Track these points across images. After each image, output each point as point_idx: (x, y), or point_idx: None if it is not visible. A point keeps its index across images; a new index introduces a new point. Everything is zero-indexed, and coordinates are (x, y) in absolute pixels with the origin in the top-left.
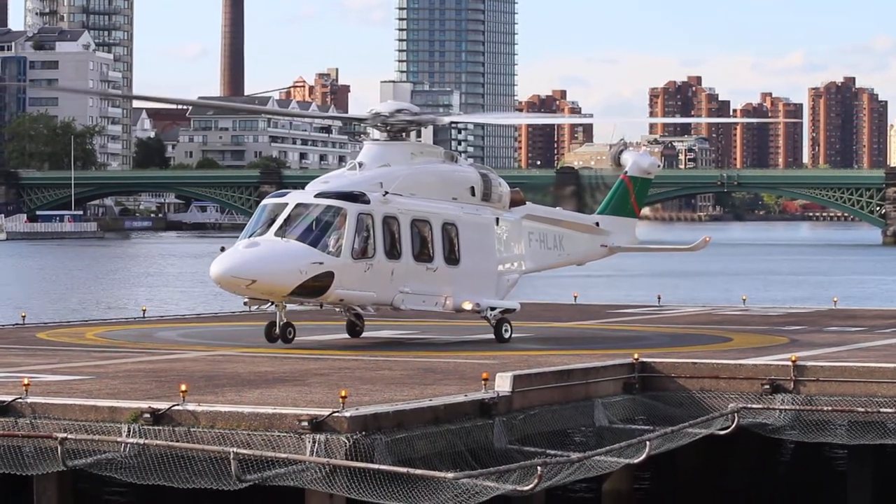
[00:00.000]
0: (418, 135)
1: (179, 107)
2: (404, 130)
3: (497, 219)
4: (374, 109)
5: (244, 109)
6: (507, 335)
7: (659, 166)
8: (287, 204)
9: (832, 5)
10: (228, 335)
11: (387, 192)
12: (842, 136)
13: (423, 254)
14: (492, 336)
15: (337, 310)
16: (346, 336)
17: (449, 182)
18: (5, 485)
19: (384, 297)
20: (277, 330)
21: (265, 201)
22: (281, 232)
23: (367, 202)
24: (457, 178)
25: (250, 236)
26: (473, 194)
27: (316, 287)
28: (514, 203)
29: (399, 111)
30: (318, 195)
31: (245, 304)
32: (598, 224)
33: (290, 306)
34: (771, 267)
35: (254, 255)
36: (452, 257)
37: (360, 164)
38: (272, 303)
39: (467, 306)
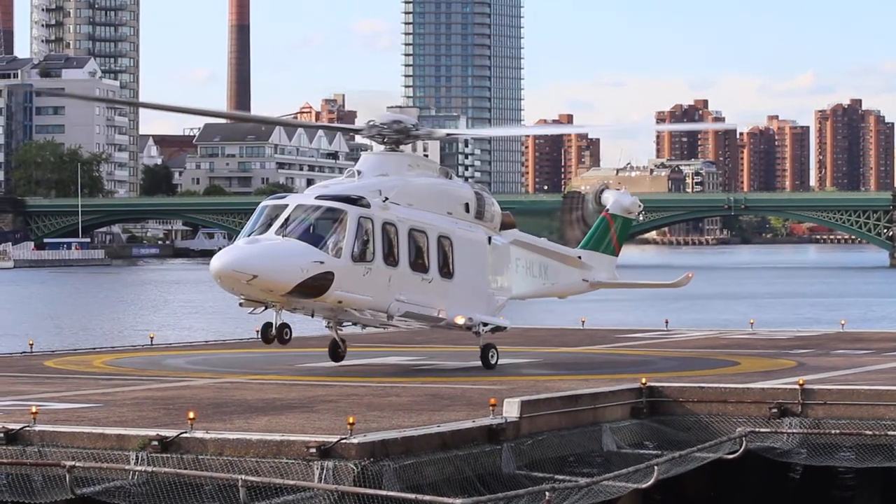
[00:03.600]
0: (425, 147)
1: (189, 132)
2: (402, 142)
3: (489, 238)
4: (372, 121)
5: (257, 120)
6: (493, 361)
7: (640, 206)
8: (287, 205)
9: (841, 27)
10: (236, 362)
11: (387, 199)
12: (849, 159)
13: (418, 264)
14: (500, 362)
15: (325, 325)
16: (354, 363)
17: (445, 196)
18: None
19: (381, 303)
20: (274, 330)
21: (264, 202)
22: (282, 231)
23: (368, 206)
24: (452, 192)
25: (250, 235)
26: (467, 211)
27: (316, 287)
28: (504, 226)
29: (395, 122)
30: (319, 197)
31: (241, 304)
32: (580, 258)
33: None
34: (778, 290)
35: (255, 250)
36: (446, 270)
37: (359, 173)
38: (266, 307)
39: (460, 321)
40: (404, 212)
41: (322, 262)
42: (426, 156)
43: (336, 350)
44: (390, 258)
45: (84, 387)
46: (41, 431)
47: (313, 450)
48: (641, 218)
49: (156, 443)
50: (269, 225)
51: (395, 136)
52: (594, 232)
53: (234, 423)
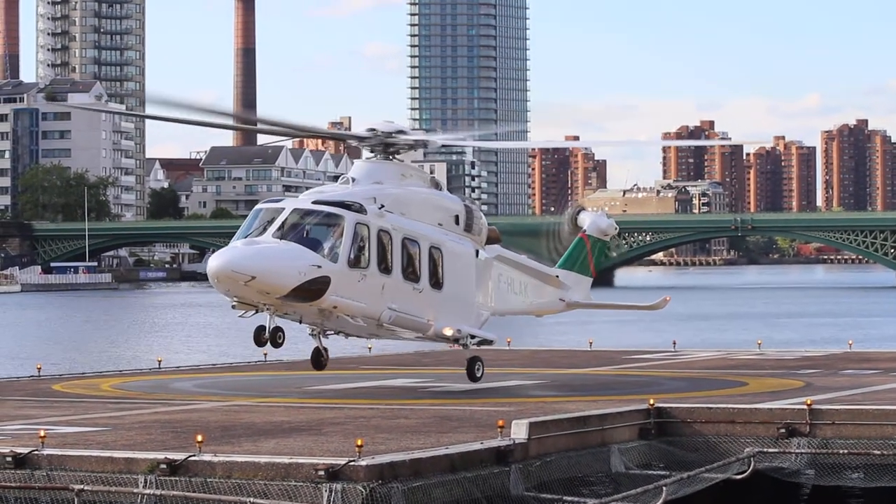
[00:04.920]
0: (432, 169)
1: (195, 155)
2: (399, 151)
3: (477, 251)
4: (374, 129)
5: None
6: (479, 374)
7: (616, 228)
8: (284, 209)
9: (848, 47)
10: (244, 385)
11: (382, 206)
12: (855, 179)
13: (410, 273)
14: (508, 383)
15: (310, 332)
16: (362, 385)
17: (436, 207)
18: None
19: (374, 310)
20: (267, 334)
21: (260, 205)
22: (279, 234)
23: (364, 212)
24: (443, 204)
25: (246, 237)
26: (457, 223)
27: (312, 291)
28: (490, 240)
29: (400, 132)
30: (316, 202)
31: (233, 307)
32: (558, 277)
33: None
34: (786, 310)
35: (254, 252)
36: (436, 281)
37: (353, 180)
38: (257, 310)
39: (448, 332)
40: (398, 220)
41: (319, 267)
42: (433, 176)
43: (318, 359)
44: (384, 265)
45: (92, 410)
46: (49, 455)
47: (322, 472)
48: (618, 240)
49: (164, 466)
50: (266, 228)
51: (397, 144)
52: (570, 253)
53: (243, 446)
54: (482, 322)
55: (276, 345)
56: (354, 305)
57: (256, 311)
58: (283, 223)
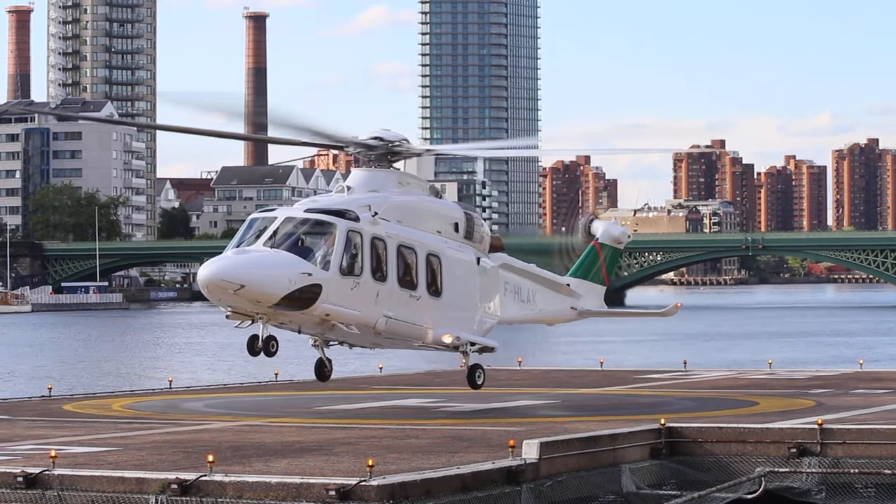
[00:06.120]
0: (443, 189)
1: (206, 175)
2: (393, 161)
3: (478, 259)
4: (379, 137)
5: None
6: (479, 381)
7: (629, 236)
8: (276, 217)
9: (860, 66)
10: (255, 405)
11: (376, 213)
12: (866, 198)
13: (407, 280)
14: (518, 403)
15: (311, 343)
16: (373, 405)
17: (434, 214)
18: None
19: (368, 318)
20: (260, 343)
21: (253, 215)
22: (270, 242)
23: (357, 220)
24: (442, 211)
25: (238, 246)
26: (457, 230)
27: (303, 299)
28: (494, 248)
29: (405, 140)
30: (308, 210)
31: (227, 317)
32: (569, 286)
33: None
34: (796, 329)
35: (243, 260)
36: (434, 288)
37: (349, 188)
38: (253, 320)
39: (447, 339)
40: (393, 228)
41: (310, 275)
42: (432, 184)
43: (322, 369)
44: (378, 273)
45: (103, 430)
46: (60, 475)
47: (333, 492)
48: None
49: (175, 486)
50: (258, 237)
51: (402, 152)
52: (583, 261)
53: (254, 466)
54: (485, 330)
55: (270, 354)
56: (348, 313)
57: (252, 322)
58: (275, 232)
